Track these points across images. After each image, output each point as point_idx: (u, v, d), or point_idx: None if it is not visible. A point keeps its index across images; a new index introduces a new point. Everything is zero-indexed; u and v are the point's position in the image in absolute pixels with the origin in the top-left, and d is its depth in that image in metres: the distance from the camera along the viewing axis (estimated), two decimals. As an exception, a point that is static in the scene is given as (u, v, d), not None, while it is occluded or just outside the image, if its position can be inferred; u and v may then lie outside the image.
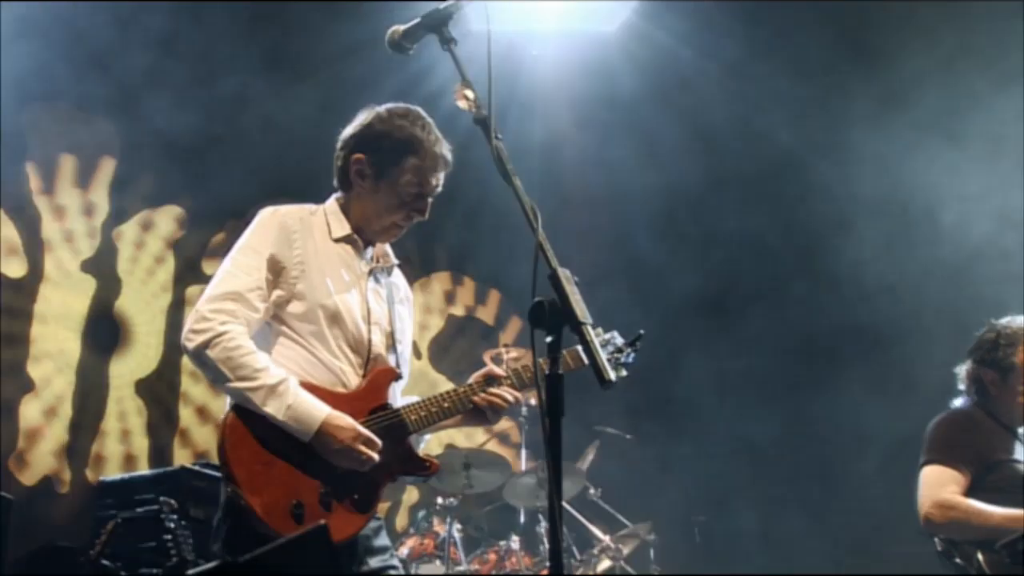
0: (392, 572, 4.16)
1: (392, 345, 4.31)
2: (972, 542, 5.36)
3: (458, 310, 11.42)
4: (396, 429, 4.13)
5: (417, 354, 10.71)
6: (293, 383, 3.94)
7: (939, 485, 5.47)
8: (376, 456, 3.99)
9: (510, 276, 11.26)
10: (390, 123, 4.27)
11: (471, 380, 4.30)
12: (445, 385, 6.69)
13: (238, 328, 3.95)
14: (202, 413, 9.48)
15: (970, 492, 5.44)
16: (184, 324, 4.03)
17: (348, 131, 4.34)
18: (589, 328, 3.06)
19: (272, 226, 4.17)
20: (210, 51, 9.17)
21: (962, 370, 5.87)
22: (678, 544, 9.52)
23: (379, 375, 4.21)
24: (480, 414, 4.31)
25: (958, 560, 5.44)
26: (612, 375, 3.05)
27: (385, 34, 3.75)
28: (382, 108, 4.34)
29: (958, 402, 5.90)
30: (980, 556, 5.29)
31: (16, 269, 8.77)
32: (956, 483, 5.46)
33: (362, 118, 4.33)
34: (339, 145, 4.35)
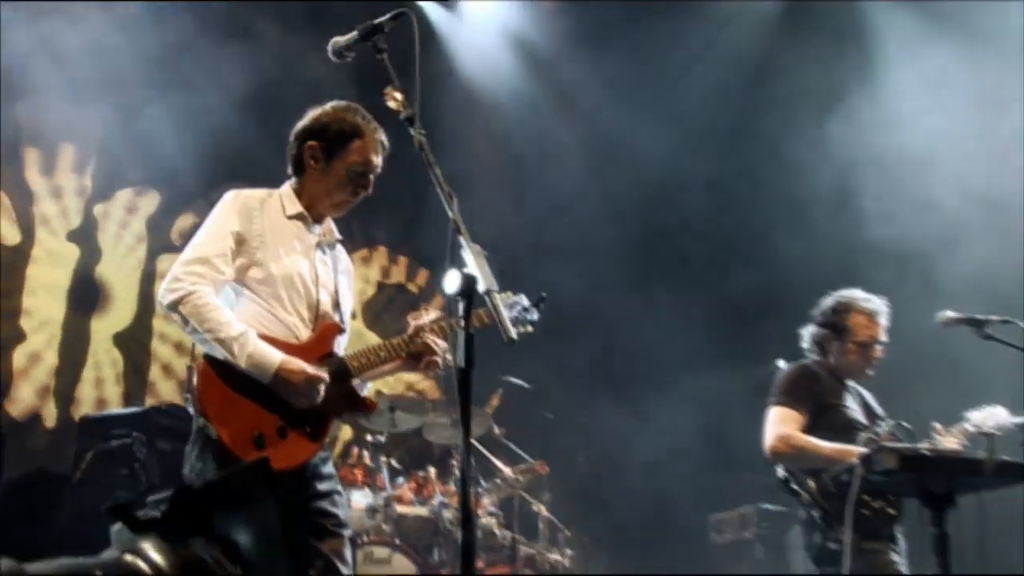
0: (337, 496, 4.29)
1: (336, 304, 4.44)
2: (806, 471, 5.55)
3: (391, 282, 11.41)
4: (341, 373, 4.28)
5: (353, 315, 10.72)
6: (252, 334, 4.07)
7: (782, 422, 5.62)
8: (322, 393, 4.14)
9: (439, 257, 11.06)
10: (335, 115, 4.40)
11: (405, 335, 4.43)
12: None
13: (206, 288, 4.07)
14: (167, 370, 9.51)
15: (807, 430, 5.59)
16: (160, 285, 4.17)
17: (300, 125, 4.45)
18: (495, 295, 3.19)
19: (236, 205, 4.30)
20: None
21: (806, 332, 6.00)
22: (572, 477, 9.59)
23: (326, 329, 4.34)
24: (414, 361, 4.44)
25: (794, 486, 5.61)
26: (514, 334, 3.20)
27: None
28: (327, 105, 4.46)
29: (781, 363, 6.04)
30: (811, 483, 5.48)
31: (11, 237, 8.84)
32: (796, 422, 5.60)
33: (312, 114, 4.45)
34: (293, 136, 4.45)
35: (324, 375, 4.17)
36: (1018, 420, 5.45)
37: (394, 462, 8.52)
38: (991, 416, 5.61)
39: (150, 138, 9.23)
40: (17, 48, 8.40)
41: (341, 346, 4.42)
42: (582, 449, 8.95)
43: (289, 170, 4.50)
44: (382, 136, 4.42)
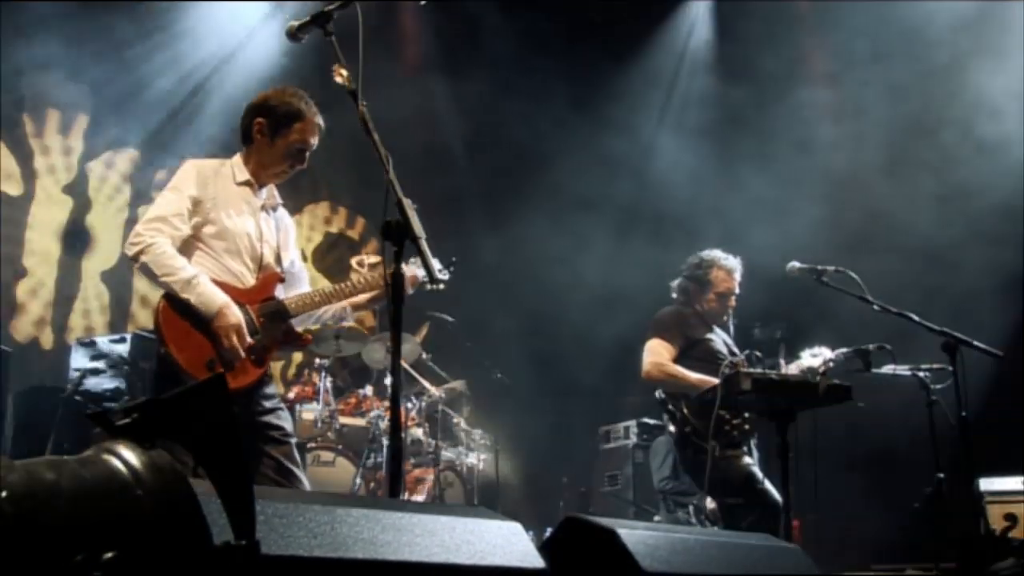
0: (281, 412, 4.29)
1: (278, 258, 4.44)
2: (678, 395, 5.68)
3: (333, 230, 11.33)
4: (279, 313, 4.28)
5: (304, 258, 10.67)
6: (204, 277, 4.09)
7: (657, 352, 5.74)
8: (239, 348, 4.07)
9: (373, 207, 11.02)
10: (282, 99, 4.33)
11: (344, 283, 4.44)
12: (323, 282, 6.77)
13: (163, 240, 4.07)
14: (144, 301, 9.37)
15: (677, 360, 5.74)
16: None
17: (252, 102, 4.38)
18: (423, 241, 3.21)
19: (192, 172, 4.27)
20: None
21: (675, 283, 6.11)
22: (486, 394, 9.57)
23: (268, 277, 4.35)
24: (362, 302, 4.50)
25: (670, 407, 5.74)
26: (439, 274, 3.35)
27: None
28: (278, 88, 4.41)
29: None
30: (683, 404, 5.62)
31: (14, 189, 8.73)
32: (668, 352, 5.74)
33: (263, 94, 4.39)
34: (244, 112, 4.39)
35: (248, 340, 4.12)
36: (839, 352, 5.58)
37: (338, 381, 8.54)
38: (819, 354, 5.74)
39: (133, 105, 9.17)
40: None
41: (282, 293, 4.41)
42: (496, 371, 8.90)
43: (240, 140, 4.44)
44: (320, 120, 4.37)
